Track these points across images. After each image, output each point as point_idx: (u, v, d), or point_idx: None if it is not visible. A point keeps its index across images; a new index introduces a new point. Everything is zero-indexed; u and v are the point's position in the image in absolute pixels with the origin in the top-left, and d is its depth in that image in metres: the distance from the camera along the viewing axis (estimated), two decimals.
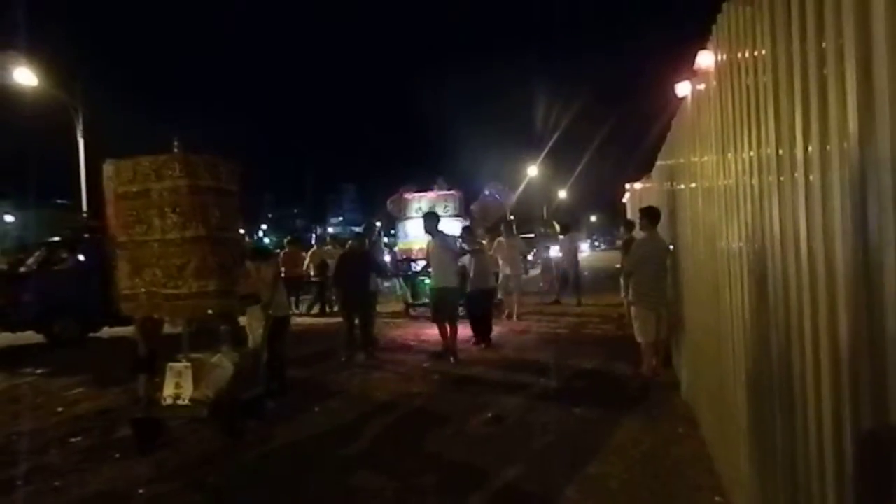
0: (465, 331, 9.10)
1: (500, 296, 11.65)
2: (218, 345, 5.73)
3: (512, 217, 16.34)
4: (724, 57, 3.19)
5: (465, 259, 9.45)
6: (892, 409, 1.46)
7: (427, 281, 10.09)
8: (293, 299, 14.26)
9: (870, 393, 1.56)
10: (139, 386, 5.51)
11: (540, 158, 43.10)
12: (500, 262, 11.42)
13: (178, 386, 5.16)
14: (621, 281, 9.19)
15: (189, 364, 5.22)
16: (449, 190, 13.02)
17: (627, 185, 15.31)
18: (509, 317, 11.37)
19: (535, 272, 24.81)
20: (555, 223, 16.28)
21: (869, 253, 1.54)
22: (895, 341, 1.43)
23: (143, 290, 5.17)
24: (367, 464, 4.49)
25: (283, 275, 9.30)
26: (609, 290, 14.16)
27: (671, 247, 6.41)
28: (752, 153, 2.64)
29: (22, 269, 11.21)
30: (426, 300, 10.31)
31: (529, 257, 27.64)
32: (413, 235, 12.68)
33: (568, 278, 14.22)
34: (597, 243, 67.64)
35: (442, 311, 8.25)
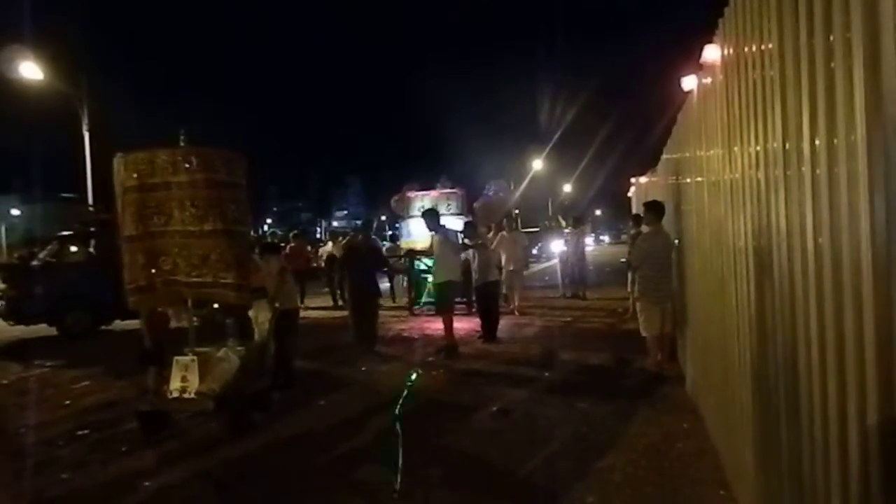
0: (470, 325, 9.14)
1: (503, 290, 11.67)
2: (224, 338, 5.76)
3: (517, 211, 16.35)
4: (731, 50, 3.17)
5: (469, 254, 9.52)
6: None
7: (430, 279, 10.09)
8: (299, 292, 14.39)
9: (875, 388, 1.57)
10: (148, 378, 5.56)
11: (545, 152, 43.03)
12: (503, 256, 11.44)
13: (184, 379, 5.20)
14: (629, 275, 9.19)
15: (195, 358, 5.25)
16: (452, 188, 13.07)
17: (633, 180, 15.27)
18: (512, 311, 11.38)
19: (539, 266, 24.81)
20: (560, 217, 16.24)
21: (876, 248, 1.53)
22: None
23: (160, 279, 5.22)
24: (373, 457, 4.52)
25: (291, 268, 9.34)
26: (614, 284, 14.14)
27: (676, 241, 6.40)
28: (758, 147, 2.63)
29: (34, 263, 11.30)
30: (431, 299, 10.35)
31: (534, 251, 27.76)
32: (416, 234, 12.71)
33: (574, 273, 14.21)
34: (602, 237, 67.49)
35: (442, 303, 8.39)
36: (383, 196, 14.32)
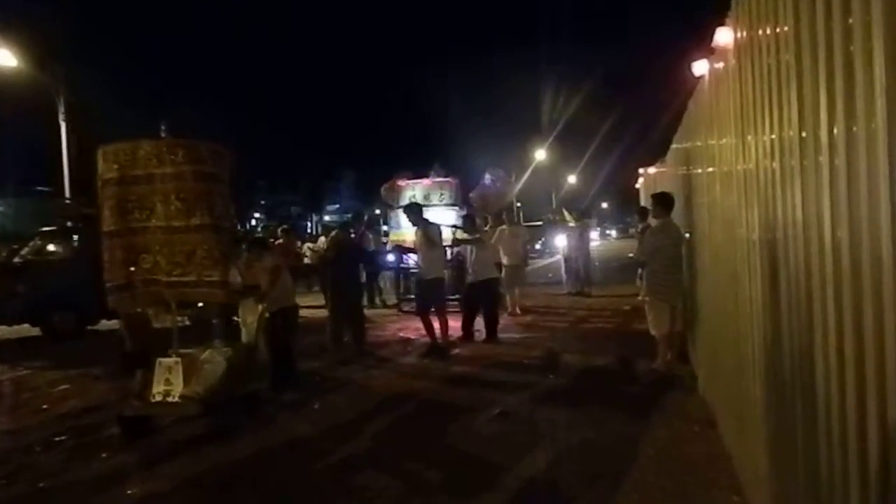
0: (454, 324, 9.16)
1: (502, 288, 11.66)
2: (210, 339, 5.76)
3: (518, 204, 16.32)
4: (744, 34, 3.17)
5: (465, 249, 9.52)
6: None
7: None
8: None
9: None
10: (131, 382, 5.56)
11: (548, 142, 42.98)
12: (502, 252, 11.42)
13: (167, 382, 5.20)
14: (639, 270, 9.22)
15: (179, 359, 5.25)
16: (445, 177, 12.97)
17: (641, 170, 15.29)
18: (513, 311, 11.39)
19: (542, 262, 24.84)
20: (564, 210, 16.21)
21: None
22: None
23: (140, 278, 5.22)
24: (369, 462, 4.53)
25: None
26: (620, 280, 14.17)
27: (687, 235, 6.41)
28: (773, 136, 2.63)
29: (16, 260, 11.26)
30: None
31: (536, 246, 27.76)
32: (406, 225, 12.68)
33: (578, 269, 14.23)
34: (608, 231, 67.57)
35: (428, 303, 8.42)
36: (378, 189, 14.26)
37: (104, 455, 4.91)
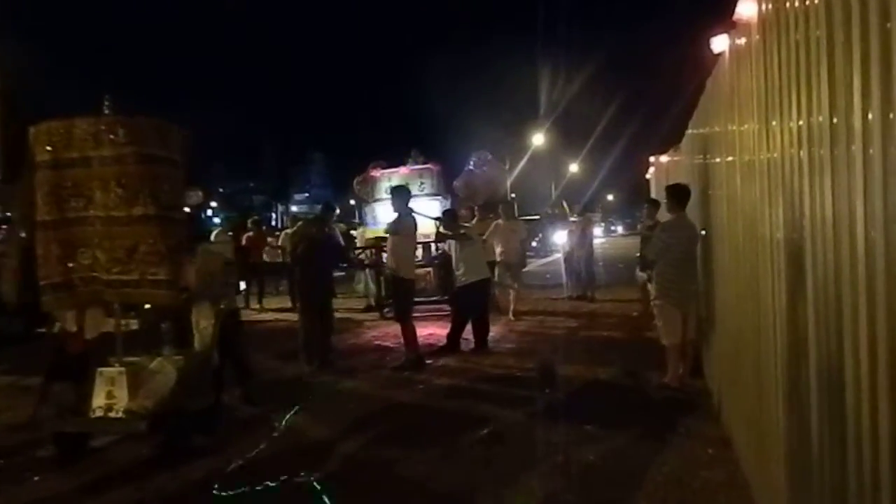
0: (427, 331, 9.15)
1: (495, 290, 11.66)
2: (159, 346, 5.72)
3: (513, 196, 16.31)
4: (770, 6, 3.19)
5: (449, 246, 9.46)
6: None
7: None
8: (256, 290, 14.36)
9: None
10: (58, 395, 5.52)
11: (547, 127, 43.13)
12: (497, 249, 11.45)
13: (110, 395, 5.16)
14: (637, 269, 9.30)
15: (123, 369, 5.21)
16: (425, 163, 12.93)
17: (652, 159, 15.35)
18: (505, 314, 11.42)
19: (539, 262, 24.90)
20: (564, 203, 16.27)
21: None
22: None
23: (78, 276, 5.16)
24: (339, 491, 4.51)
25: (250, 261, 9.21)
26: (627, 282, 14.23)
27: (703, 232, 6.46)
28: (800, 122, 2.65)
29: None
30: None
31: (533, 243, 27.79)
32: (382, 221, 12.62)
33: (580, 270, 14.27)
34: (614, 227, 67.79)
35: (399, 306, 8.60)
36: (352, 175, 14.22)
37: (36, 479, 4.86)
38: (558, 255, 17.18)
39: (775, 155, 3.14)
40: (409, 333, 8.26)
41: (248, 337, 7.09)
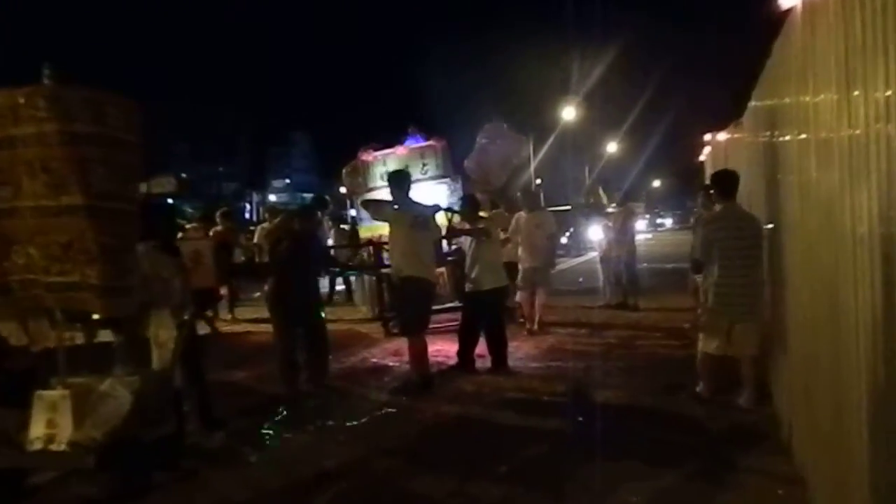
0: (434, 346, 9.15)
1: (517, 298, 11.68)
2: (110, 365, 5.73)
3: (538, 182, 16.25)
4: None
5: (464, 242, 9.31)
6: None
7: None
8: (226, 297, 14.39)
9: None
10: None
11: (579, 97, 42.89)
12: (520, 248, 11.41)
13: (51, 424, 5.16)
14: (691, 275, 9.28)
15: (67, 392, 5.22)
16: (427, 141, 12.70)
17: (707, 137, 15.32)
18: (531, 328, 11.43)
19: (572, 261, 24.87)
20: (600, 190, 16.19)
21: None
22: None
23: (14, 277, 5.15)
24: None
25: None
26: (678, 288, 14.18)
27: (769, 226, 6.45)
28: (888, 91, 2.64)
29: None
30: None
31: (563, 239, 27.63)
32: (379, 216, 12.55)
33: (620, 272, 14.21)
34: (661, 219, 67.67)
35: (406, 317, 8.58)
36: (343, 160, 14.14)
37: None
38: (593, 254, 17.19)
39: (857, 132, 3.13)
40: (417, 350, 8.21)
41: (217, 353, 7.09)
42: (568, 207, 32.36)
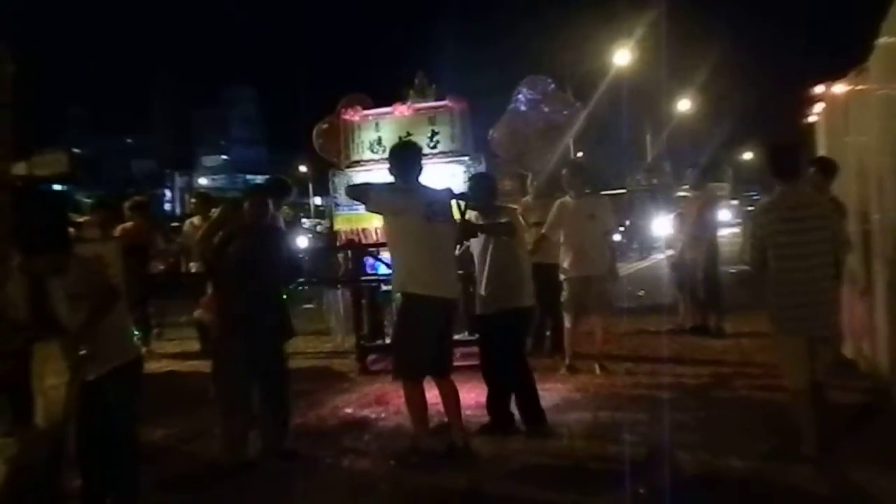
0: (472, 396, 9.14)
1: (566, 323, 11.51)
2: None
3: (579, 155, 16.24)
4: None
5: (475, 245, 8.85)
6: None
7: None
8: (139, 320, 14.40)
9: None
10: None
11: (636, 39, 42.75)
12: (563, 247, 11.32)
13: None
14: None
15: None
16: (440, 101, 12.60)
17: (819, 90, 15.29)
18: (570, 366, 11.28)
19: (629, 266, 24.89)
20: (668, 168, 16.15)
21: None
22: None
23: None
24: None
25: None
26: None
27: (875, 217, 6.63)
28: None
29: None
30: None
31: (615, 236, 27.44)
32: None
33: (696, 283, 14.16)
34: (753, 207, 67.80)
35: (396, 349, 8.39)
36: (304, 127, 14.05)
37: None
38: (658, 257, 17.18)
39: None
40: (411, 400, 7.95)
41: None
42: (622, 191, 32.39)
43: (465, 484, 7.36)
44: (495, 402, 8.80)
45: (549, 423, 8.85)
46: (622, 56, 41.03)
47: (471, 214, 8.62)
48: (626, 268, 25.18)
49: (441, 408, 8.07)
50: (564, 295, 11.21)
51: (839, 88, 12.51)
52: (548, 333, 12.37)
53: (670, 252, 14.96)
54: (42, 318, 6.09)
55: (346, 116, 12.73)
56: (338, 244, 12.87)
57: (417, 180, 7.97)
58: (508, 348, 8.82)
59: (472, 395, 9.24)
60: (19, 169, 9.00)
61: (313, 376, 11.79)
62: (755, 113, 59.31)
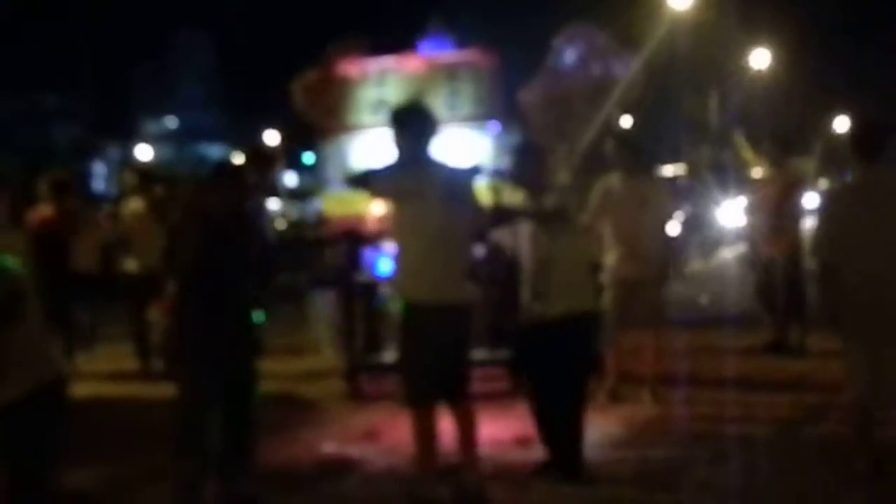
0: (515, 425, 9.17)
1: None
2: None
3: (629, 124, 16.18)
4: None
5: (512, 236, 8.71)
6: None
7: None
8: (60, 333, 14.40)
9: None
10: None
11: None
12: (607, 241, 11.23)
13: None
14: None
15: None
16: (459, 52, 12.48)
17: None
18: (612, 391, 11.33)
19: (691, 269, 24.91)
20: (739, 141, 16.13)
21: None
22: None
23: None
24: None
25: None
26: None
27: None
28: None
29: None
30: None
31: (673, 228, 27.30)
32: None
33: (774, 289, 14.15)
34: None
35: (401, 370, 8.26)
36: (275, 83, 14.02)
37: None
38: (727, 256, 17.17)
39: None
40: (422, 434, 7.85)
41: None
42: (681, 171, 32.44)
43: None
44: (550, 430, 8.46)
45: (585, 464, 8.72)
46: (682, 2, 41.07)
47: (510, 197, 8.59)
48: (685, 269, 25.27)
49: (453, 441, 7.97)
50: (607, 302, 11.05)
51: None
52: None
53: (742, 248, 14.97)
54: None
55: (342, 69, 12.51)
56: (321, 234, 12.82)
57: (430, 153, 7.88)
58: (575, 362, 8.43)
59: (493, 429, 9.24)
60: None
61: (286, 403, 11.87)
62: (849, 66, 59.02)
